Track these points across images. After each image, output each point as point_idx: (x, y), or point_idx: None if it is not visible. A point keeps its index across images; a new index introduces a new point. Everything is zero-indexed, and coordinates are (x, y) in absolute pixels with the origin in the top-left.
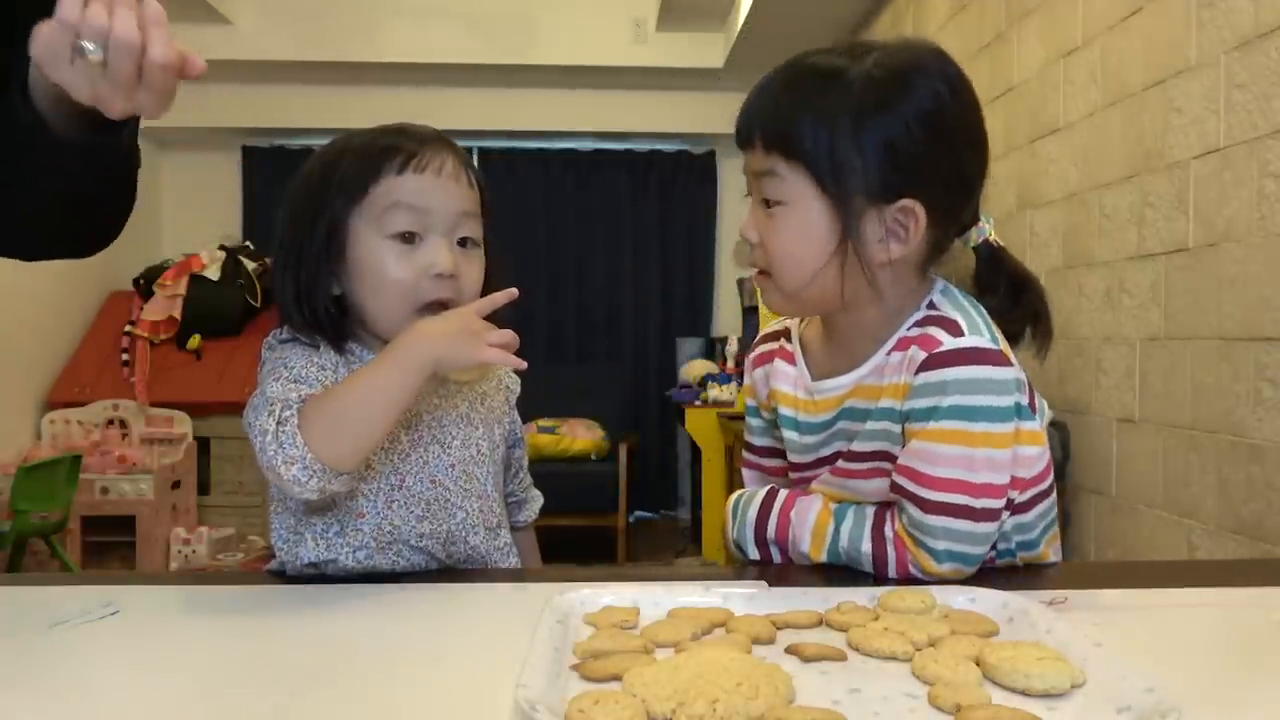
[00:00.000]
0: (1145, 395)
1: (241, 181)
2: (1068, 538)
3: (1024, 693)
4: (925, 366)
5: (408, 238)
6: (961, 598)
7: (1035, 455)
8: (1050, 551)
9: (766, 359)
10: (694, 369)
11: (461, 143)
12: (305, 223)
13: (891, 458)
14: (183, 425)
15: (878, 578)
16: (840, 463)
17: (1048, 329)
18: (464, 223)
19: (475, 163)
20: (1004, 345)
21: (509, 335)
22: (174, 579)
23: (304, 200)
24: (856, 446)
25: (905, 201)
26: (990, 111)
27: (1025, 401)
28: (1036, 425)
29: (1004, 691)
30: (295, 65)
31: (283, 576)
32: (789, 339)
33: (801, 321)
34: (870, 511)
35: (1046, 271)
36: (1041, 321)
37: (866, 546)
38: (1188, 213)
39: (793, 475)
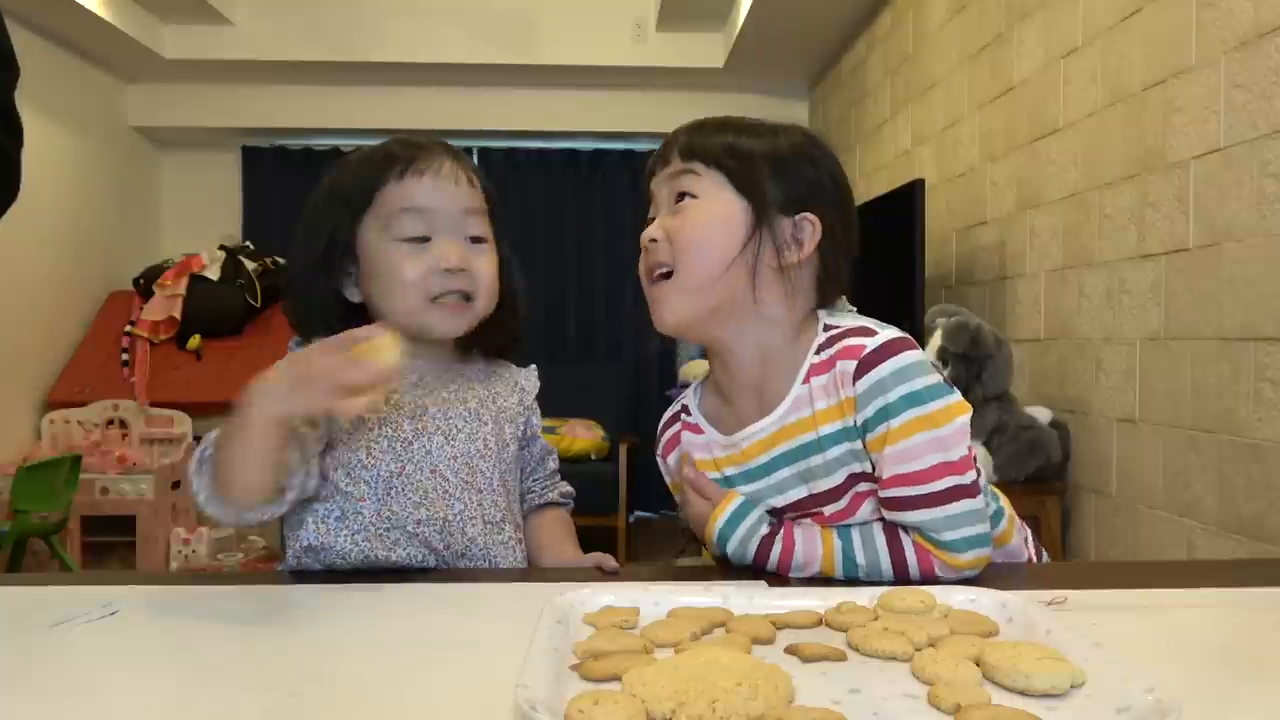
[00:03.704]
0: (1145, 395)
1: (241, 181)
2: (1067, 538)
3: (1024, 693)
4: (860, 372)
5: (417, 240)
6: (961, 597)
7: (967, 426)
8: (1014, 530)
9: (674, 442)
10: (694, 369)
11: (462, 143)
12: (315, 239)
13: (864, 477)
14: (183, 425)
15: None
16: (826, 509)
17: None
18: (470, 220)
19: (475, 163)
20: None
21: (365, 373)
22: (174, 579)
23: (311, 219)
24: (824, 484)
25: (806, 213)
26: (990, 111)
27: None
28: (958, 396)
29: (1004, 691)
30: (295, 65)
31: (285, 575)
32: (687, 413)
33: (697, 394)
34: (877, 529)
35: (1046, 271)
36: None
37: (887, 566)
38: (1188, 213)
39: None
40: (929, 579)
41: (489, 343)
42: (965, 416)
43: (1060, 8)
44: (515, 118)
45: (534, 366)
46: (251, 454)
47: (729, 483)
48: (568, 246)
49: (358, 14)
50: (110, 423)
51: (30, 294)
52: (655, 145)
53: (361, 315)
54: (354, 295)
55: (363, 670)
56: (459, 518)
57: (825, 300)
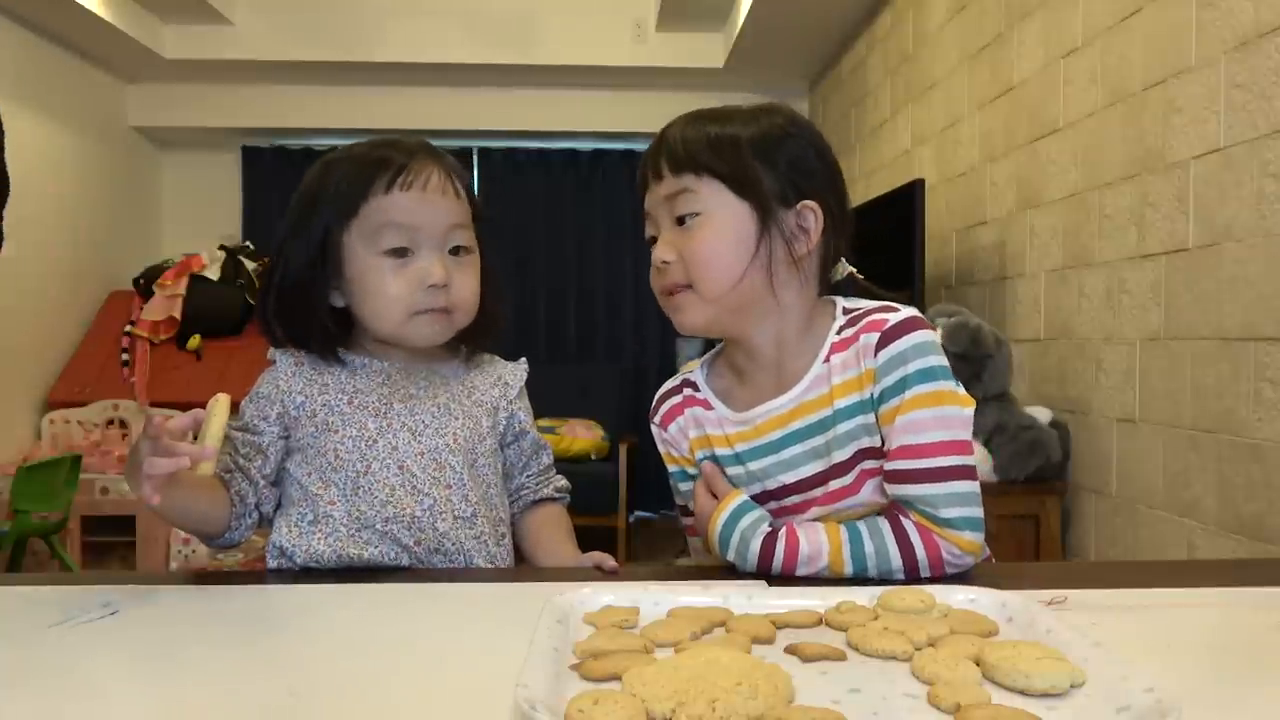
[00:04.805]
0: (1145, 395)
1: (241, 181)
2: (1067, 538)
3: (1023, 692)
4: (883, 343)
5: (400, 253)
6: (961, 597)
7: (970, 418)
8: None
9: (677, 411)
10: (693, 369)
11: (461, 143)
12: (300, 238)
13: (872, 453)
14: None
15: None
16: (832, 484)
17: None
18: (454, 233)
19: (475, 163)
20: None
21: (166, 465)
22: (174, 579)
23: (298, 216)
24: (835, 458)
25: (807, 202)
26: (990, 111)
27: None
28: (964, 391)
29: (1003, 691)
30: (295, 65)
31: (285, 575)
32: (695, 389)
33: (704, 371)
34: (883, 525)
35: (1046, 271)
36: None
37: (897, 561)
38: (1188, 213)
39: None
40: (935, 564)
41: (464, 344)
42: (970, 409)
43: (1060, 8)
44: (515, 118)
45: (523, 360)
46: (162, 514)
47: (739, 458)
48: (568, 246)
49: (358, 14)
50: (110, 423)
51: (30, 294)
52: None
53: (344, 319)
54: (337, 300)
55: (362, 670)
56: (428, 513)
57: (828, 275)
